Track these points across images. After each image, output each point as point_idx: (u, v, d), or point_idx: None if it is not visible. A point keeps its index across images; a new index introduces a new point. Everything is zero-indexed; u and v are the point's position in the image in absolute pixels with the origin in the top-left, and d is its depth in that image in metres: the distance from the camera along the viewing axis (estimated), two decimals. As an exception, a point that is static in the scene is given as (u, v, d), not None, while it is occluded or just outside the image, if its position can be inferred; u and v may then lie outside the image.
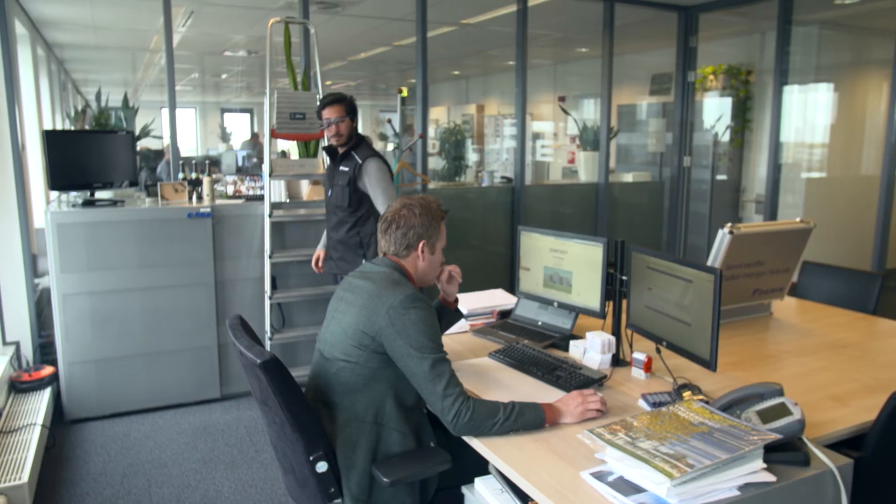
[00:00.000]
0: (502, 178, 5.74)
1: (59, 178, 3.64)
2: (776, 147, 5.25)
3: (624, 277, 2.32)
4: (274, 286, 3.91)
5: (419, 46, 4.86)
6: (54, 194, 4.09)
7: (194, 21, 6.79)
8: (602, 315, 2.42)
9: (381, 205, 3.32)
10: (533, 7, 5.27)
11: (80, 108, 9.48)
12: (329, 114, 3.32)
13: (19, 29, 4.97)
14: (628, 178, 6.32)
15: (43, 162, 4.21)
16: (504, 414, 1.74)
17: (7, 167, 3.81)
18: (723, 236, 2.58)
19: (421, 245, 2.00)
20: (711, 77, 6.49)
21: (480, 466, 1.83)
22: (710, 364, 1.96)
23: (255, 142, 12.56)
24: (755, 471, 1.45)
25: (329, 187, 3.47)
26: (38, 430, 3.15)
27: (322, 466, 1.75)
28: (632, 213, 6.07)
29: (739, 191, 6.52)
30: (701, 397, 1.86)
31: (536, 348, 2.35)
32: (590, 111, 8.92)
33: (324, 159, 3.77)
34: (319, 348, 1.99)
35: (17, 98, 3.88)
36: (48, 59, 7.72)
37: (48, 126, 7.00)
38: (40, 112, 6.21)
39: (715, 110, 6.50)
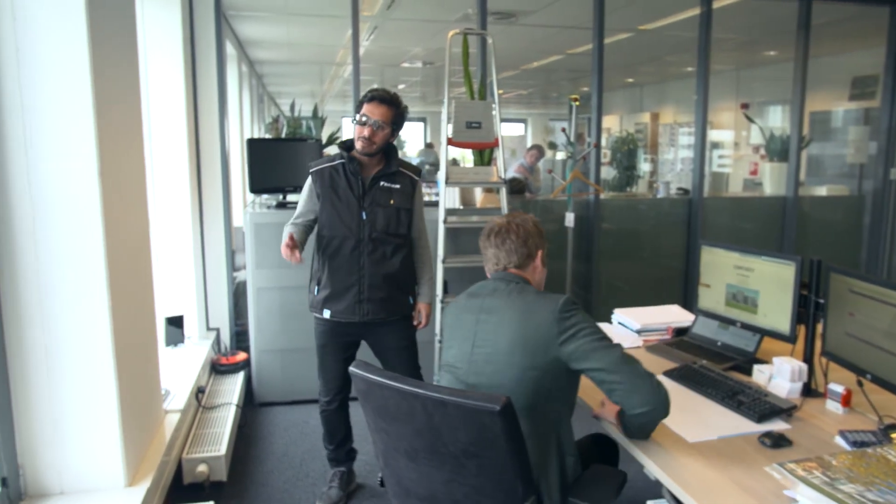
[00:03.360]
0: (678, 189, 5.49)
1: (258, 182, 4.01)
2: None
3: (820, 300, 2.12)
4: (446, 290, 4.02)
5: (595, 54, 4.78)
6: (250, 197, 4.50)
7: (377, 35, 7.19)
8: (792, 340, 2.23)
9: (419, 231, 2.89)
10: (717, 9, 4.99)
11: (274, 117, 10.38)
12: (372, 111, 2.62)
13: (229, 49, 5.54)
14: (821, 191, 5.79)
15: (244, 167, 4.66)
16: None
17: (216, 173, 4.26)
18: (943, 260, 2.28)
19: (540, 254, 1.94)
20: (928, 79, 5.76)
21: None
22: (925, 403, 1.74)
23: (430, 150, 13.06)
24: None
25: (360, 208, 2.69)
26: (233, 409, 3.47)
27: None
28: (824, 229, 5.54)
29: (960, 208, 5.72)
30: (914, 440, 1.66)
31: (716, 370, 2.22)
32: (776, 119, 8.29)
33: (337, 170, 2.74)
34: (468, 383, 1.83)
35: (225, 111, 4.32)
36: (250, 74, 8.54)
37: (248, 135, 7.74)
38: (242, 122, 6.89)
39: (930, 116, 5.76)
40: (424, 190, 4.30)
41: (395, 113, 2.67)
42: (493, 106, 3.86)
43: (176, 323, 3.81)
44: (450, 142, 3.79)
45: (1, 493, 2.02)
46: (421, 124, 17.66)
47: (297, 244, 2.60)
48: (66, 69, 2.00)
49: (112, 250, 2.15)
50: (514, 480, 1.54)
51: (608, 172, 9.99)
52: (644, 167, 10.75)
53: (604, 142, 10.24)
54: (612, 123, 12.30)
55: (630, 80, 11.63)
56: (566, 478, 1.79)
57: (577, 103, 4.57)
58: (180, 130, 3.87)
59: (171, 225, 3.94)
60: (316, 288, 2.80)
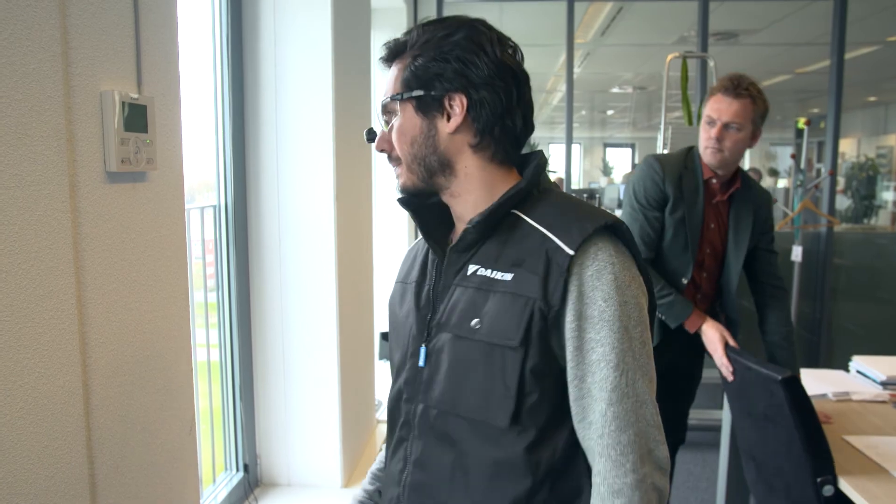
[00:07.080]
0: (933, 222, 4.80)
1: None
2: None
3: None
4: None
5: (833, 71, 4.35)
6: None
7: (588, 62, 7.17)
8: None
9: (608, 391, 0.88)
10: None
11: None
12: (385, 93, 1.03)
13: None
14: None
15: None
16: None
17: (430, 196, 4.49)
18: None
19: None
20: None
21: None
22: None
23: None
24: None
25: (422, 335, 1.02)
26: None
27: (829, 490, 1.64)
28: None
29: None
30: None
31: None
32: None
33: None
34: None
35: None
36: (462, 103, 8.94)
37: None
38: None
39: None
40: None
41: (413, 64, 0.98)
42: (713, 131, 3.66)
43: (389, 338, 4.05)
44: (664, 169, 3.65)
45: (243, 477, 2.29)
46: (628, 150, 17.24)
47: None
48: (312, 99, 2.25)
49: (342, 269, 2.36)
50: (803, 455, 1.63)
51: (841, 202, 9.03)
52: (886, 196, 9.54)
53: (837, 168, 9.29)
54: (847, 147, 11.09)
55: (872, 98, 10.43)
56: None
57: (807, 126, 4.18)
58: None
59: (388, 243, 4.22)
60: None
